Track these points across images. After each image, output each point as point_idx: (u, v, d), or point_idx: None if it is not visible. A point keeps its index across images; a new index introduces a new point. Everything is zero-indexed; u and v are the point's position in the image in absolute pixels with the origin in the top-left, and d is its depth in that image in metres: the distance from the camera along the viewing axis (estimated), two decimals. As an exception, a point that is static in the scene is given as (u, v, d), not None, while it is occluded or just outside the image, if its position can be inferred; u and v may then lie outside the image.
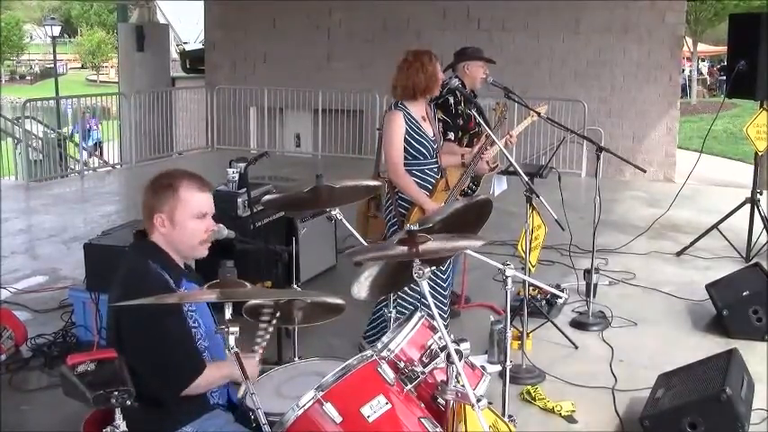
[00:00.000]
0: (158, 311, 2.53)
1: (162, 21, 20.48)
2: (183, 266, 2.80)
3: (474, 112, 4.75)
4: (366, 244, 3.83)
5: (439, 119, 5.06)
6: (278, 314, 2.87)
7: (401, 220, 4.43)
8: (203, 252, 2.78)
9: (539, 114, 4.93)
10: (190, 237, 2.72)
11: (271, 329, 2.83)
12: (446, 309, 4.66)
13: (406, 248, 2.53)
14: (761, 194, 6.86)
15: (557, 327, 5.12)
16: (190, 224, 2.70)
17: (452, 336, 2.55)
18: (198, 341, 2.71)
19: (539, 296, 5.43)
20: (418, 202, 4.41)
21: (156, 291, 2.50)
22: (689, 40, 25.08)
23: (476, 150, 4.72)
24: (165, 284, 2.64)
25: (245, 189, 5.36)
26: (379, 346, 2.77)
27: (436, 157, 4.52)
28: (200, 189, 2.74)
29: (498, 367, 3.96)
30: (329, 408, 2.35)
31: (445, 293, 4.59)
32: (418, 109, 4.46)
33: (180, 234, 2.70)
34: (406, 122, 4.38)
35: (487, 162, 4.77)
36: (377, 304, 4.58)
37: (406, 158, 4.41)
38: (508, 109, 4.83)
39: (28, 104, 11.84)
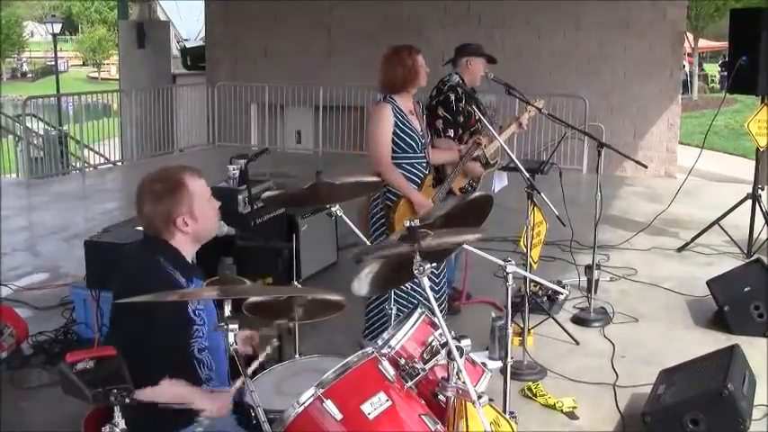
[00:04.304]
0: (146, 311, 2.49)
1: (162, 18, 20.43)
2: (191, 262, 2.81)
3: (474, 108, 4.75)
4: (367, 240, 3.83)
5: (440, 116, 5.06)
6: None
7: (387, 213, 4.42)
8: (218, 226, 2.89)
9: (539, 110, 4.93)
10: (211, 221, 2.80)
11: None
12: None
13: (406, 245, 2.52)
14: (762, 190, 6.85)
15: (558, 323, 5.11)
16: (208, 210, 2.78)
17: (453, 332, 2.54)
18: (198, 340, 2.70)
19: (540, 292, 5.43)
20: (407, 194, 4.39)
21: (161, 288, 2.50)
22: (690, 36, 25.02)
23: (470, 144, 4.74)
24: (174, 284, 2.65)
25: (245, 186, 5.36)
26: (380, 342, 2.77)
27: (424, 152, 4.52)
28: (198, 175, 2.79)
29: (499, 364, 3.95)
30: (329, 405, 2.35)
31: (437, 289, 4.58)
32: (406, 103, 4.46)
33: (203, 223, 2.76)
34: (395, 115, 4.37)
35: (479, 160, 4.77)
36: (370, 302, 4.58)
37: (395, 151, 4.40)
38: (498, 112, 4.87)
39: (29, 102, 11.82)
